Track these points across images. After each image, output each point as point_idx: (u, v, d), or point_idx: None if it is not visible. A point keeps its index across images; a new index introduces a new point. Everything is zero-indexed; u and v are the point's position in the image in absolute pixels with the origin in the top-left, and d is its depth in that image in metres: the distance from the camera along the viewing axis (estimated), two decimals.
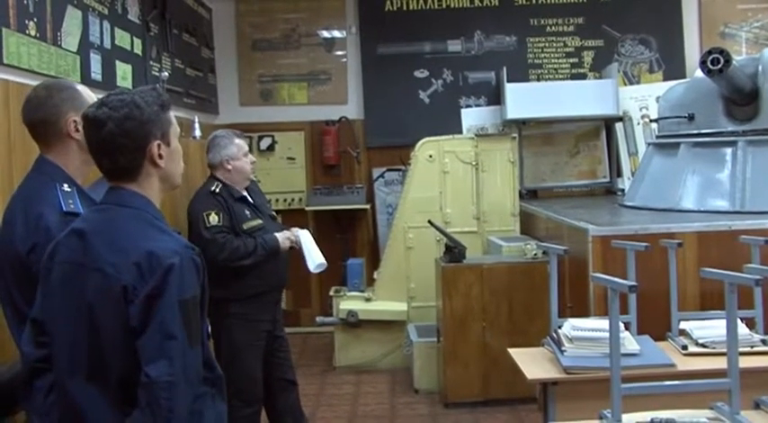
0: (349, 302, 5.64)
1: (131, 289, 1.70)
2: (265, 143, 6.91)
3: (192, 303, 1.75)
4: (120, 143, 1.78)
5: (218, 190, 3.80)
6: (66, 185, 2.20)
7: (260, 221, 3.85)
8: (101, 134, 1.78)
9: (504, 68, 6.66)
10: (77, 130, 2.21)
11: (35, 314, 1.89)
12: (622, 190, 6.44)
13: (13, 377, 1.97)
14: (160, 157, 1.84)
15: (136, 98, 1.81)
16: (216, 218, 3.72)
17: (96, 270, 1.74)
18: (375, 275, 5.85)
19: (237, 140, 3.92)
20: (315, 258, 3.89)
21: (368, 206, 6.75)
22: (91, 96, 2.30)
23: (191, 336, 1.72)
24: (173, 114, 1.92)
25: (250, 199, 3.94)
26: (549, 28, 7.02)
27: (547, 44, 7.03)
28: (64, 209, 2.14)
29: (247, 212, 3.84)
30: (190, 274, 1.75)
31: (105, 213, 1.84)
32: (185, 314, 1.71)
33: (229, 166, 3.86)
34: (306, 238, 3.93)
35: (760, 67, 4.77)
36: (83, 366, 1.76)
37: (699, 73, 4.82)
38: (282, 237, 3.86)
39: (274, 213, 4.14)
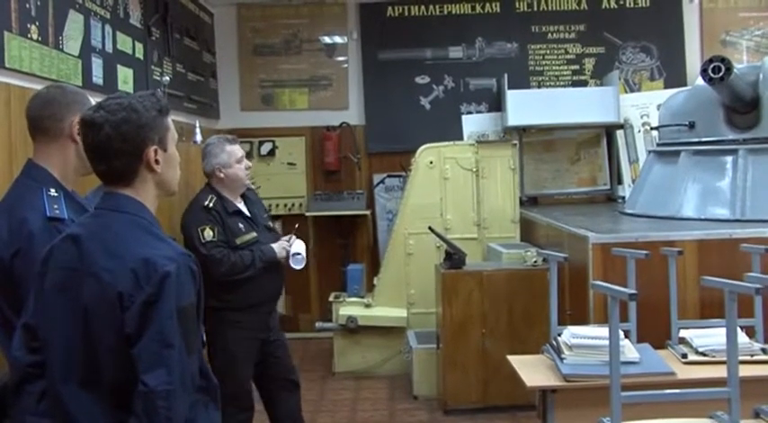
0: (348, 308, 5.64)
1: (127, 296, 1.68)
2: (266, 148, 6.91)
3: (190, 311, 1.74)
4: (116, 147, 1.77)
5: (211, 204, 3.74)
6: (53, 190, 2.19)
7: (254, 234, 3.80)
8: (97, 137, 1.77)
9: (506, 75, 6.68)
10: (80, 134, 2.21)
11: (28, 319, 1.86)
12: (623, 197, 6.44)
13: (2, 387, 1.93)
14: (156, 162, 1.82)
15: (133, 102, 1.79)
16: (211, 233, 3.69)
17: (91, 275, 1.73)
18: (375, 281, 5.84)
19: (229, 147, 3.84)
20: (299, 255, 3.87)
21: (368, 212, 6.75)
22: None
23: (188, 344, 1.71)
24: (171, 120, 1.90)
25: (246, 210, 3.88)
26: (550, 35, 7.03)
27: (548, 51, 7.03)
28: (48, 214, 2.12)
29: (241, 226, 3.79)
30: (186, 282, 1.73)
31: (100, 219, 1.82)
32: (183, 322, 1.70)
33: (221, 175, 3.81)
34: (298, 246, 3.91)
35: (761, 76, 4.77)
36: (76, 372, 1.74)
37: (700, 81, 4.83)
38: (279, 247, 3.84)
39: (271, 224, 4.06)
